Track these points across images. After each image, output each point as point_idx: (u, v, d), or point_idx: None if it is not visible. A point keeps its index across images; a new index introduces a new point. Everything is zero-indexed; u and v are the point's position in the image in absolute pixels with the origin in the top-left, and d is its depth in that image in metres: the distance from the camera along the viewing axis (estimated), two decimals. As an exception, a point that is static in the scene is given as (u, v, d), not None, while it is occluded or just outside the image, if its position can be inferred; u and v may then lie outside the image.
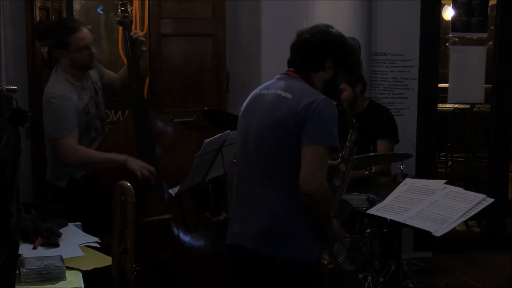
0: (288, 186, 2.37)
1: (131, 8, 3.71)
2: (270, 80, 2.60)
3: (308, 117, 2.32)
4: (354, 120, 2.63)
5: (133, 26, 4.01)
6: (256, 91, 2.58)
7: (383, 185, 3.85)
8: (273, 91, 2.47)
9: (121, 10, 3.64)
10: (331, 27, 2.55)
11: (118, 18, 3.68)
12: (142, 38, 3.67)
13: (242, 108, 2.60)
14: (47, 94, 3.48)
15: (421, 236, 4.71)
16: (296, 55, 2.53)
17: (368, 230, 3.73)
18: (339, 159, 2.60)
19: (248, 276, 2.51)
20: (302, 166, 2.31)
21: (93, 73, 3.66)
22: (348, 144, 2.57)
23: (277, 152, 2.39)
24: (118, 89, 3.89)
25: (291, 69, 2.55)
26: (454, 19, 5.07)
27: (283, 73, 2.56)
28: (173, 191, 3.51)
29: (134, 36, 3.61)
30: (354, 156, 3.63)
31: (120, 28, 4.27)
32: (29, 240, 2.63)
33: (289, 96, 2.41)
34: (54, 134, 3.43)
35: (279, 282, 2.42)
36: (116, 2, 3.67)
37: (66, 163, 3.44)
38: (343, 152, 2.60)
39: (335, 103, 2.53)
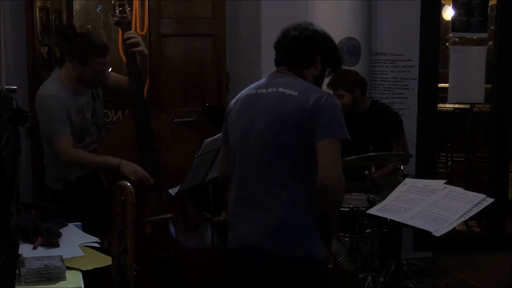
0: (296, 183, 2.38)
1: (129, 8, 3.69)
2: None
3: (319, 112, 2.35)
4: None
5: (133, 26, 3.99)
6: (249, 90, 2.56)
7: (383, 185, 3.86)
8: (273, 89, 2.47)
9: (119, 11, 3.62)
10: (314, 24, 2.59)
11: (116, 19, 3.65)
12: (135, 40, 3.60)
13: (235, 108, 2.57)
14: (38, 95, 3.50)
15: (421, 236, 4.71)
16: (285, 52, 2.55)
17: (368, 230, 3.72)
18: None
19: (259, 277, 2.48)
20: (320, 161, 2.32)
21: None
22: None
23: (286, 149, 2.39)
24: (127, 91, 3.85)
25: (283, 67, 2.55)
26: (454, 19, 5.07)
27: (275, 72, 2.56)
28: (173, 191, 3.51)
29: (127, 42, 3.57)
30: (354, 156, 3.68)
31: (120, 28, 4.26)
32: (29, 240, 2.63)
33: (294, 93, 2.41)
34: (47, 135, 3.46)
35: (293, 280, 2.41)
36: (113, 2, 3.64)
37: (61, 162, 3.46)
38: None
39: None
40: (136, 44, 3.61)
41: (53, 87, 3.47)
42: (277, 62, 2.58)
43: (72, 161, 3.46)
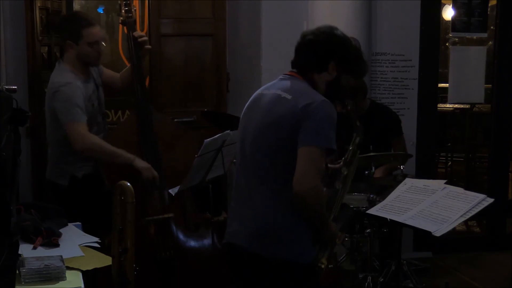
0: (284, 187, 2.36)
1: (134, 8, 3.73)
2: (271, 80, 2.61)
3: (304, 118, 2.32)
4: (358, 123, 2.62)
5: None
6: (259, 90, 2.58)
7: (383, 185, 3.86)
8: (273, 91, 2.47)
9: (125, 10, 3.66)
10: (336, 28, 2.53)
11: (121, 18, 3.69)
12: (145, 38, 3.69)
13: (245, 107, 2.60)
14: (53, 84, 3.49)
15: (421, 236, 4.71)
16: (299, 56, 2.53)
17: (368, 230, 3.73)
18: (342, 162, 2.59)
19: (244, 274, 2.51)
20: (296, 167, 2.30)
21: (92, 70, 3.67)
22: (351, 148, 2.56)
23: (274, 152, 2.38)
24: (118, 89, 3.89)
25: (294, 70, 2.54)
26: (454, 19, 5.07)
27: (286, 74, 2.55)
28: (173, 191, 3.51)
29: (139, 40, 3.63)
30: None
31: (120, 28, 4.28)
32: (29, 240, 2.63)
33: (288, 96, 2.40)
34: (65, 120, 3.43)
35: (273, 281, 2.41)
36: (120, 2, 3.68)
37: (76, 148, 3.43)
38: (346, 156, 2.59)
39: (339, 104, 2.51)
40: (147, 42, 3.68)
41: (67, 75, 3.49)
42: (292, 64, 2.57)
43: (88, 146, 3.43)
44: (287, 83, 2.48)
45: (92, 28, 3.50)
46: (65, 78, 3.47)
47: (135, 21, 3.72)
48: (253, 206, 2.42)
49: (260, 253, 2.39)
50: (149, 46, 3.71)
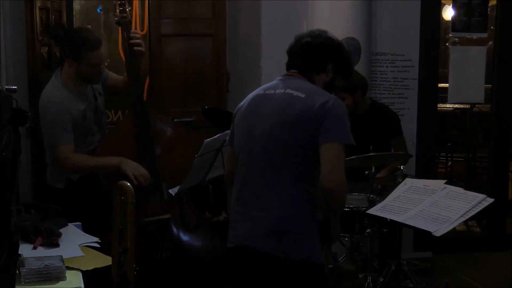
0: (297, 184, 2.39)
1: (129, 8, 3.70)
2: (271, 80, 2.63)
3: (324, 116, 2.37)
4: None
5: (133, 26, 3.99)
6: (258, 91, 2.59)
7: (383, 185, 3.86)
8: (281, 91, 2.49)
9: (120, 10, 3.64)
10: (328, 32, 2.63)
11: (116, 19, 3.67)
12: (138, 41, 3.62)
13: (242, 108, 2.59)
14: (42, 99, 3.49)
15: (421, 236, 4.71)
16: (297, 58, 2.58)
17: (368, 230, 3.73)
18: None
19: (257, 277, 2.48)
20: (323, 164, 2.35)
21: None
22: None
23: (289, 149, 2.40)
24: (123, 91, 3.86)
25: (293, 70, 2.57)
26: (454, 19, 5.07)
27: (287, 75, 2.58)
28: (173, 191, 3.51)
29: (130, 42, 3.58)
30: (354, 156, 3.68)
31: (120, 28, 4.27)
32: (29, 240, 2.63)
33: (301, 95, 2.43)
34: (49, 142, 3.47)
35: (291, 282, 2.41)
36: (114, 2, 3.66)
37: (61, 170, 3.49)
38: None
39: None
40: (139, 44, 3.63)
41: (56, 92, 3.46)
42: (289, 67, 2.61)
43: (73, 168, 3.48)
44: (294, 82, 2.51)
45: (95, 52, 3.43)
46: (54, 96, 3.45)
47: (130, 21, 3.67)
48: (265, 205, 2.42)
49: (277, 254, 2.39)
50: (140, 48, 3.61)
